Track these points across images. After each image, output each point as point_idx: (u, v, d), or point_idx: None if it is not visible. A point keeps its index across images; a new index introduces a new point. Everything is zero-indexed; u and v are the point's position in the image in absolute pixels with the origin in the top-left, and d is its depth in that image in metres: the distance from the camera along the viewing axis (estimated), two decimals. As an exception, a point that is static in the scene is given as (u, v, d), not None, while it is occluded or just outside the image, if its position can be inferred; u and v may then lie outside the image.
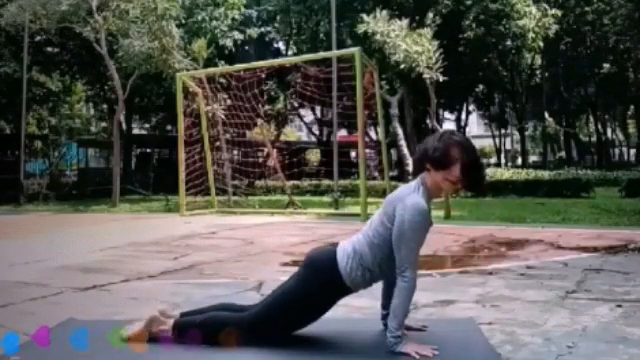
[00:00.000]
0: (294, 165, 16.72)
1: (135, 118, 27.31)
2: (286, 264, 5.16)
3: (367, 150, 17.16)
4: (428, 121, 25.06)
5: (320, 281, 2.40)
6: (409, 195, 2.36)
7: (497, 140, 39.44)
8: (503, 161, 38.61)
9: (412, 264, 2.30)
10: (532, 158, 43.09)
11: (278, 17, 23.52)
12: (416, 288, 2.33)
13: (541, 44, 21.82)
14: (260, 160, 20.55)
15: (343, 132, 27.60)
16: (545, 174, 16.58)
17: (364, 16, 10.62)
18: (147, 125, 30.34)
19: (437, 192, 2.45)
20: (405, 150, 19.80)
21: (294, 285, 2.45)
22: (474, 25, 19.55)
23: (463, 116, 33.94)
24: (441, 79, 9.82)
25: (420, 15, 18.77)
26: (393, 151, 25.72)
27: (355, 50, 10.23)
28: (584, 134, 38.71)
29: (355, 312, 3.29)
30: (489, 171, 18.08)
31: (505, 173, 16.88)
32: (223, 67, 14.50)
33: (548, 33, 21.32)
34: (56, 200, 16.27)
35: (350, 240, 2.48)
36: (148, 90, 21.50)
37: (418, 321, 2.70)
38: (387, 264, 2.39)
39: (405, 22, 10.45)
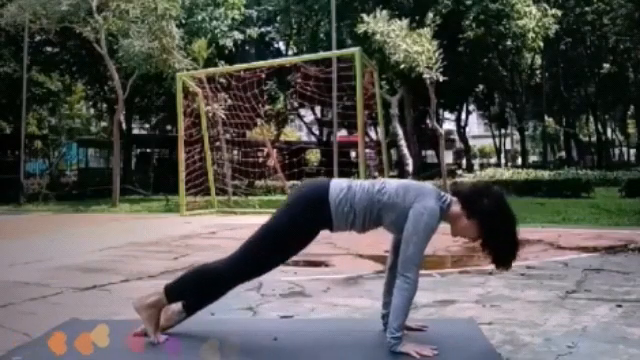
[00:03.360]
0: (294, 165, 16.70)
1: (135, 118, 27.29)
2: (286, 264, 5.15)
3: (367, 150, 17.16)
4: (428, 121, 25.07)
5: (307, 204, 2.39)
6: (432, 198, 2.32)
7: (497, 140, 39.44)
8: (503, 161, 38.60)
9: (417, 266, 2.27)
10: (532, 158, 43.05)
11: (278, 17, 23.52)
12: (417, 290, 2.30)
13: (541, 44, 21.80)
14: (260, 160, 20.53)
15: (343, 132, 27.59)
16: (545, 174, 16.57)
17: (364, 16, 10.62)
18: (147, 125, 30.33)
19: (453, 226, 2.38)
20: (405, 150, 19.79)
21: (281, 210, 2.47)
22: (474, 25, 19.53)
23: (463, 116, 33.94)
24: (441, 79, 9.83)
25: (420, 15, 18.74)
26: (393, 151, 25.73)
27: (355, 50, 10.23)
28: (584, 134, 38.66)
29: (355, 312, 3.29)
30: (489, 171, 18.10)
31: (505, 173, 16.88)
32: (223, 67, 14.49)
33: (548, 33, 21.30)
34: (56, 200, 16.26)
35: (347, 179, 2.47)
36: (148, 90, 21.50)
37: (418, 321, 2.69)
38: (371, 223, 2.38)
39: (405, 22, 10.46)
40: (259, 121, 15.11)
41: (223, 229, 8.37)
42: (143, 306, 2.45)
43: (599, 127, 34.48)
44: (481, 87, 29.66)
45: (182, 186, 11.74)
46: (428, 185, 2.45)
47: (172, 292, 2.48)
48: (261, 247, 2.42)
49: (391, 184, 2.39)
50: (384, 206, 2.33)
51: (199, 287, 2.49)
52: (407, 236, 2.27)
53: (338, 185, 2.39)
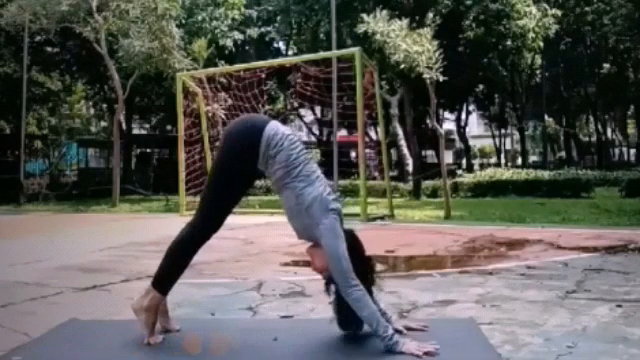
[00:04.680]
0: (294, 165, 16.66)
1: (135, 118, 27.30)
2: (286, 264, 5.15)
3: (367, 150, 17.10)
4: (428, 121, 25.05)
5: (241, 139, 2.42)
6: (336, 214, 2.37)
7: (497, 140, 39.46)
8: (503, 161, 38.62)
9: (352, 271, 2.30)
10: (532, 158, 43.07)
11: (278, 17, 23.52)
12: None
13: (541, 44, 21.81)
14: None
15: (343, 132, 27.58)
16: (545, 174, 16.57)
17: (364, 16, 10.58)
18: (147, 125, 30.34)
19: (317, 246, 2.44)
20: (405, 150, 19.77)
21: (220, 146, 2.54)
22: (474, 25, 19.54)
23: (463, 116, 33.96)
24: (441, 79, 9.79)
25: (420, 15, 18.71)
26: (393, 151, 25.71)
27: (355, 50, 10.22)
28: (584, 134, 38.70)
29: (355, 312, 3.29)
30: (489, 171, 18.08)
31: (505, 173, 16.87)
32: (223, 67, 14.48)
33: (548, 33, 21.31)
34: (56, 200, 16.26)
35: (287, 130, 2.49)
36: (148, 90, 21.50)
37: (418, 321, 2.70)
38: (275, 183, 2.45)
39: (405, 22, 10.40)
40: (259, 121, 15.10)
41: (222, 229, 8.35)
42: (142, 309, 2.46)
43: (599, 127, 34.49)
44: (481, 87, 29.67)
45: (182, 186, 11.74)
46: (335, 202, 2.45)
47: (161, 284, 2.51)
48: (216, 190, 2.52)
49: (313, 182, 2.40)
50: (291, 188, 2.38)
51: (180, 265, 2.57)
52: (333, 252, 2.31)
53: (274, 129, 2.42)
